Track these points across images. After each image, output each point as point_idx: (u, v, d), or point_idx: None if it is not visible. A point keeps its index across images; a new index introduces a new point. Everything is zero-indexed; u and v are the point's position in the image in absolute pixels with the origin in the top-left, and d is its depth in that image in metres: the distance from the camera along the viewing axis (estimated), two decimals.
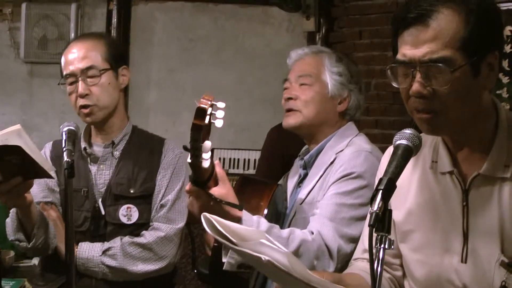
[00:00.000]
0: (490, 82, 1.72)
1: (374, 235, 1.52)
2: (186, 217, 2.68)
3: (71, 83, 2.65)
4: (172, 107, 5.75)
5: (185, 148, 2.02)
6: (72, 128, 2.39)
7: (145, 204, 2.65)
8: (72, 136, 2.36)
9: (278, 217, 2.54)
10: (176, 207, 2.66)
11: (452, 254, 1.79)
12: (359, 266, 2.02)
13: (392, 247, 1.52)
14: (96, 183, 2.67)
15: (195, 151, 1.90)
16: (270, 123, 4.18)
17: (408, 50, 1.69)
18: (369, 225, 1.51)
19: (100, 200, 2.64)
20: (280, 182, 2.81)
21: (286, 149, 3.56)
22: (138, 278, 2.61)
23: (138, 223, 2.63)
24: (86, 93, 2.61)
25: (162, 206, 2.65)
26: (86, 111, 2.62)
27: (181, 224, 2.66)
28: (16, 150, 2.15)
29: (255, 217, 2.18)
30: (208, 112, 1.85)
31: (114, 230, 2.62)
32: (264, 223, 2.18)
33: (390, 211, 1.54)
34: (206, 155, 1.94)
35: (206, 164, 1.96)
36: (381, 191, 1.55)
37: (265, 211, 2.41)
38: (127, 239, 2.60)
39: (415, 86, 1.69)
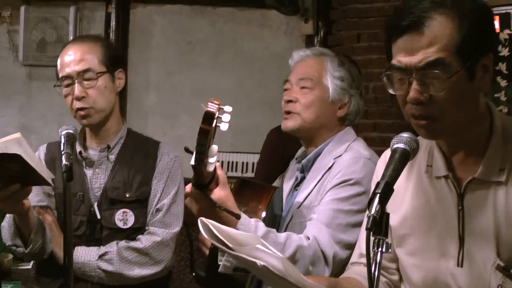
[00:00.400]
0: (485, 84, 1.72)
1: (372, 238, 1.53)
2: (181, 221, 2.68)
3: (67, 85, 2.64)
4: (171, 110, 5.76)
5: (186, 150, 2.02)
6: (71, 131, 2.39)
7: (141, 208, 2.65)
8: (71, 139, 2.37)
9: (275, 220, 2.53)
10: (172, 211, 2.66)
11: (448, 258, 1.79)
12: (356, 270, 2.02)
13: (390, 250, 1.53)
14: (92, 187, 2.66)
15: (201, 155, 1.90)
16: (269, 126, 4.19)
17: (403, 57, 1.70)
18: (367, 229, 1.52)
19: (95, 204, 2.63)
20: (276, 183, 2.81)
21: (285, 152, 3.56)
22: (134, 282, 2.61)
23: (134, 227, 2.63)
24: (83, 95, 2.61)
25: (158, 210, 2.65)
26: (82, 113, 2.62)
27: (176, 228, 2.66)
28: (16, 158, 2.15)
29: (253, 221, 2.18)
30: (216, 116, 1.85)
31: (110, 234, 2.62)
32: (261, 227, 2.18)
33: (388, 214, 1.55)
34: (212, 159, 1.94)
35: (211, 168, 1.96)
36: (378, 194, 1.56)
37: (263, 214, 2.40)
38: (123, 243, 2.60)
39: (412, 93, 1.69)
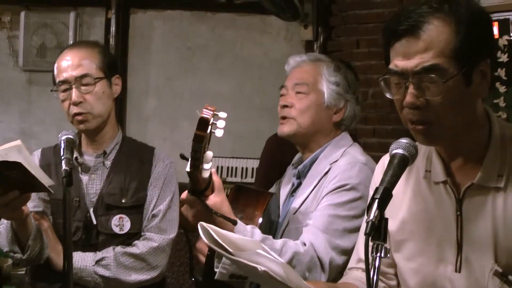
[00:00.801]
0: (483, 90, 1.72)
1: (370, 243, 1.53)
2: (177, 226, 2.69)
3: (64, 90, 2.64)
4: (171, 115, 5.76)
5: (182, 157, 2.02)
6: (71, 136, 2.40)
7: (137, 214, 2.65)
8: (70, 144, 2.38)
9: (272, 226, 2.53)
10: (168, 217, 2.67)
11: (446, 264, 1.79)
12: (354, 275, 2.02)
13: (388, 255, 1.53)
14: (88, 192, 2.66)
15: (196, 161, 1.90)
16: (268, 131, 4.19)
17: (400, 61, 1.70)
18: (365, 234, 1.52)
19: (91, 209, 2.63)
20: (273, 189, 2.81)
21: (284, 158, 3.55)
22: None
23: (130, 233, 2.64)
24: (80, 101, 2.60)
25: (154, 216, 2.65)
26: (80, 118, 2.61)
27: (172, 234, 2.67)
28: (16, 166, 2.15)
29: (249, 227, 2.18)
30: (210, 122, 1.85)
31: (106, 240, 2.62)
32: (257, 234, 2.18)
33: (386, 219, 1.55)
34: (207, 166, 1.94)
35: (206, 174, 1.96)
36: (377, 200, 1.57)
37: (260, 220, 2.40)
38: (119, 249, 2.61)
39: (408, 98, 1.69)
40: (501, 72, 4.34)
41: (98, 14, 5.79)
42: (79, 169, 2.68)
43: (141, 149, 2.80)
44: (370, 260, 1.52)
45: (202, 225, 1.69)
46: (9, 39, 5.80)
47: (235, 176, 5.42)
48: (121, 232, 2.62)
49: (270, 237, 2.23)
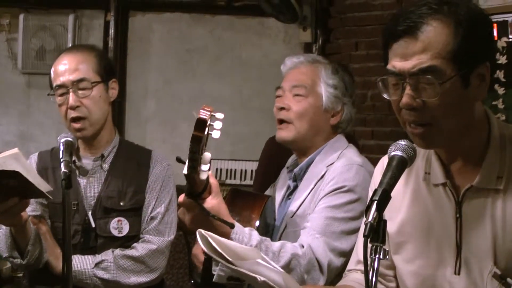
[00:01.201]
0: (481, 93, 1.71)
1: (369, 245, 1.53)
2: (175, 229, 2.69)
3: (61, 95, 2.63)
4: (170, 118, 5.77)
5: (178, 160, 2.01)
6: (70, 139, 2.40)
7: (135, 217, 2.65)
8: (70, 147, 2.37)
9: (268, 229, 2.52)
10: (166, 219, 2.67)
11: (446, 266, 1.79)
12: (353, 277, 2.02)
13: (387, 257, 1.53)
14: (86, 196, 2.66)
15: (193, 162, 1.89)
16: (267, 133, 4.19)
17: (397, 62, 1.69)
18: (364, 236, 1.52)
19: (90, 213, 2.63)
20: (268, 192, 2.80)
21: (283, 160, 3.55)
22: None
23: (129, 235, 2.64)
24: (77, 105, 2.60)
25: (152, 218, 2.65)
26: (77, 126, 2.61)
27: (171, 236, 2.67)
28: (14, 174, 2.15)
29: (247, 230, 2.17)
30: (208, 123, 1.85)
31: (105, 242, 2.62)
32: (255, 236, 2.17)
33: (385, 221, 1.55)
34: (205, 167, 1.93)
35: (204, 176, 1.95)
36: (376, 201, 1.56)
37: (257, 223, 2.39)
38: (119, 252, 2.61)
39: (405, 99, 1.68)
40: (500, 74, 4.35)
41: (97, 16, 5.80)
42: (77, 172, 2.68)
43: (139, 151, 2.80)
44: (369, 262, 1.52)
45: (200, 233, 1.68)
46: (8, 41, 5.81)
47: (234, 178, 5.42)
48: (120, 235, 2.63)
49: (268, 239, 2.22)
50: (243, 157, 5.47)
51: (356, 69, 4.96)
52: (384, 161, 1.97)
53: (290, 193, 2.60)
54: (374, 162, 2.06)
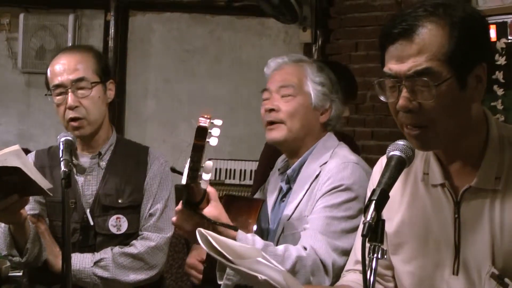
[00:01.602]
0: (478, 94, 1.71)
1: (367, 245, 1.53)
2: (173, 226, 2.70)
3: (59, 94, 2.62)
4: (169, 118, 5.77)
5: (173, 170, 1.99)
6: (70, 138, 2.41)
7: (134, 214, 2.66)
8: (69, 146, 2.37)
9: (263, 233, 2.50)
10: (165, 216, 2.68)
11: (444, 266, 1.79)
12: (351, 278, 2.02)
13: (385, 257, 1.54)
14: (84, 194, 2.66)
15: (194, 172, 1.87)
16: None
17: (393, 64, 1.70)
18: (362, 235, 1.53)
19: (88, 211, 2.63)
20: (257, 196, 2.79)
21: None
22: (130, 287, 2.62)
23: (128, 233, 2.65)
24: (76, 105, 2.59)
25: (151, 215, 2.66)
26: (75, 124, 2.60)
27: (170, 233, 2.68)
28: (15, 171, 2.15)
29: (249, 235, 2.16)
30: (208, 131, 1.83)
31: (104, 240, 2.63)
32: (259, 241, 2.16)
33: (383, 221, 1.56)
34: (206, 176, 1.91)
35: (204, 185, 1.93)
36: (374, 201, 1.57)
37: (254, 228, 2.38)
38: (117, 249, 2.61)
39: (401, 101, 1.69)
40: (499, 75, 4.36)
41: (97, 16, 5.81)
42: (74, 170, 2.67)
43: (136, 149, 2.81)
44: (367, 262, 1.53)
45: (200, 232, 1.68)
46: (8, 41, 5.81)
47: (234, 178, 5.42)
48: (119, 233, 2.63)
49: (271, 243, 2.21)
50: (243, 157, 5.47)
51: (356, 69, 4.96)
52: (382, 161, 1.97)
53: (284, 195, 2.57)
54: (374, 163, 2.06)
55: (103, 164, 2.70)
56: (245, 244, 2.07)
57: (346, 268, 2.09)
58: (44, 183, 2.30)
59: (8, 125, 5.83)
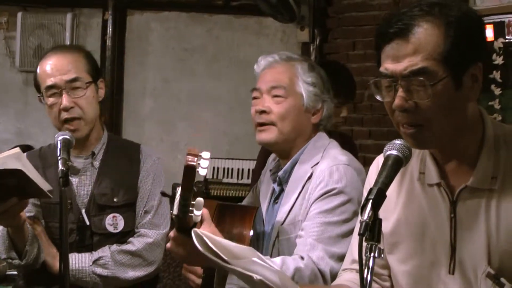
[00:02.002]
0: (474, 93, 1.71)
1: (364, 244, 1.54)
2: (169, 221, 2.70)
3: (52, 96, 2.60)
4: (167, 117, 5.77)
5: (163, 194, 1.95)
6: (67, 137, 2.39)
7: (129, 212, 2.67)
8: (67, 145, 2.36)
9: (259, 237, 2.48)
10: (160, 212, 2.69)
11: (440, 266, 1.79)
12: (347, 277, 2.01)
13: (382, 256, 1.54)
14: (79, 194, 2.67)
15: (185, 208, 1.86)
16: None
17: (389, 64, 1.70)
18: (359, 234, 1.53)
19: (83, 211, 2.64)
20: (250, 195, 2.77)
21: None
22: (129, 284, 2.64)
23: (124, 231, 2.66)
24: (71, 106, 2.58)
25: (146, 212, 2.68)
26: (72, 127, 2.59)
27: (166, 229, 2.69)
28: (16, 173, 2.15)
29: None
30: (196, 170, 1.81)
31: (101, 239, 2.64)
32: None
33: (380, 220, 1.56)
34: (197, 212, 1.89)
35: (196, 219, 1.91)
36: (371, 200, 1.57)
37: (251, 233, 2.36)
38: (115, 247, 2.62)
39: (397, 101, 1.69)
40: (496, 75, 4.36)
41: (95, 15, 5.80)
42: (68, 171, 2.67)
43: (127, 147, 2.82)
44: (364, 261, 1.53)
45: (196, 232, 1.68)
46: (6, 39, 5.80)
47: (231, 177, 5.43)
48: (116, 231, 2.64)
49: (268, 257, 2.14)
50: (240, 156, 5.47)
51: (353, 68, 4.96)
52: (379, 160, 1.97)
53: (276, 197, 2.53)
54: (372, 162, 2.06)
55: (97, 164, 2.71)
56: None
57: (342, 267, 2.09)
58: (44, 185, 2.30)
59: (6, 123, 5.82)
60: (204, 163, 1.83)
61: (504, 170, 1.74)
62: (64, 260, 2.18)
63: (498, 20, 4.38)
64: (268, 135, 2.45)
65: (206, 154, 1.84)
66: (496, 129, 1.78)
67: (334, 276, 2.20)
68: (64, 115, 2.59)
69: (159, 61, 5.82)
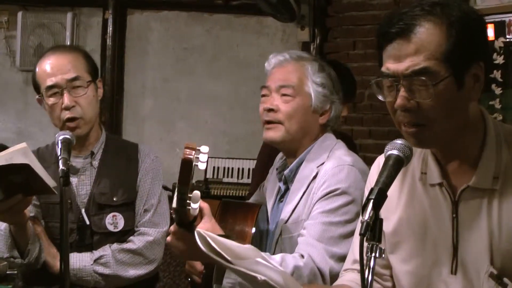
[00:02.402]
0: (476, 93, 1.71)
1: (365, 244, 1.53)
2: (169, 219, 2.71)
3: (52, 95, 2.60)
4: (167, 116, 5.77)
5: (164, 188, 1.96)
6: (68, 137, 2.39)
7: (129, 211, 2.68)
8: (67, 144, 2.36)
9: (262, 235, 2.48)
10: (159, 210, 2.71)
11: (442, 266, 1.79)
12: (349, 277, 2.02)
13: (383, 256, 1.54)
14: (78, 194, 2.67)
15: (183, 201, 1.87)
16: None
17: (391, 64, 1.70)
18: (360, 234, 1.52)
19: (83, 210, 2.64)
20: (257, 193, 2.77)
21: None
22: (130, 283, 2.65)
23: (124, 230, 2.66)
24: (73, 105, 2.58)
25: (146, 211, 2.69)
26: (72, 125, 2.59)
27: (165, 227, 2.70)
28: (22, 169, 2.15)
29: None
30: (195, 163, 1.81)
31: (101, 239, 2.64)
32: None
33: (381, 220, 1.56)
34: (195, 205, 1.89)
35: (195, 212, 1.92)
36: (372, 200, 1.57)
37: (253, 230, 2.37)
38: (116, 246, 2.63)
39: (399, 100, 1.69)
40: (497, 74, 4.36)
41: (95, 14, 5.80)
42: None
43: (126, 146, 2.82)
44: (365, 261, 1.53)
45: (199, 233, 1.68)
46: (6, 39, 5.80)
47: (231, 176, 5.42)
48: (116, 230, 2.65)
49: (268, 254, 2.17)
50: (240, 155, 5.47)
51: (354, 68, 4.94)
52: (380, 160, 1.97)
53: (282, 195, 2.54)
54: (372, 161, 2.05)
55: (96, 163, 2.71)
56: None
57: (344, 267, 2.09)
58: (50, 181, 2.30)
59: (6, 123, 5.82)
60: (203, 157, 1.83)
61: (505, 170, 1.74)
62: (64, 260, 2.19)
63: (499, 19, 4.38)
64: (275, 133, 2.45)
65: (204, 148, 1.84)
66: (498, 129, 1.78)
67: (334, 276, 2.20)
68: (66, 114, 2.59)
69: (159, 61, 5.82)
